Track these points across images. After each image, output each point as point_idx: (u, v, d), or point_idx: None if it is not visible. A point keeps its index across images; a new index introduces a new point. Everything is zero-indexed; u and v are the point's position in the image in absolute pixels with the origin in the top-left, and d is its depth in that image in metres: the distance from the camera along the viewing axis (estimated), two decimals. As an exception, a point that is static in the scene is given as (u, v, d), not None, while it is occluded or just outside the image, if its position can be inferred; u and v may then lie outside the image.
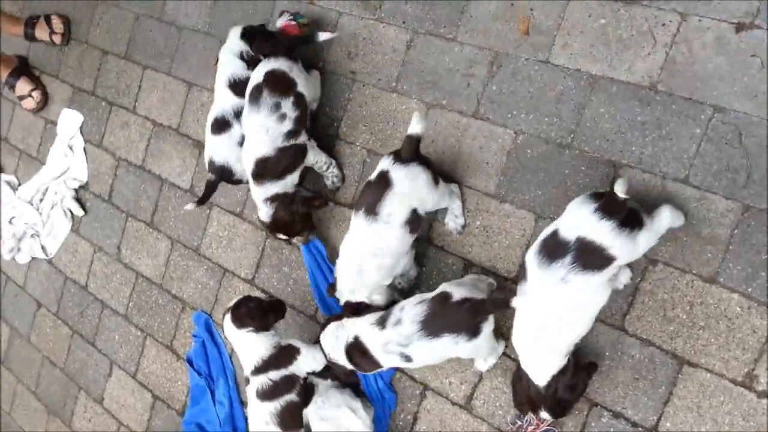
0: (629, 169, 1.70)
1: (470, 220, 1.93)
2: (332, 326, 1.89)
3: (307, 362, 1.98)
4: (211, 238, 2.55)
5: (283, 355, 1.97)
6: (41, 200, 3.15)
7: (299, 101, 2.01)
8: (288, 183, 2.06)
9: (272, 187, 2.03)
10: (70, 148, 3.01)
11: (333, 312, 2.21)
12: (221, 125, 2.17)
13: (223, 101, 2.18)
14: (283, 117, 1.98)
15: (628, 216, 1.44)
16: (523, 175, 1.84)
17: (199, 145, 2.58)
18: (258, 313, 1.97)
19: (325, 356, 1.90)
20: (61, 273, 3.10)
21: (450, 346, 1.66)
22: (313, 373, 2.00)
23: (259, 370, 1.96)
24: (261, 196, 2.05)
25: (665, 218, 1.53)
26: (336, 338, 1.85)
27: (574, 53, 1.79)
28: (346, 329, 1.84)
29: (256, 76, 2.02)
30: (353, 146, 2.18)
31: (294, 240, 2.17)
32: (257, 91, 2.00)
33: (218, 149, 2.18)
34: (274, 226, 2.09)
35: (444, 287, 1.69)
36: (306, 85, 2.04)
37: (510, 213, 1.86)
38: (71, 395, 3.04)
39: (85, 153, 2.98)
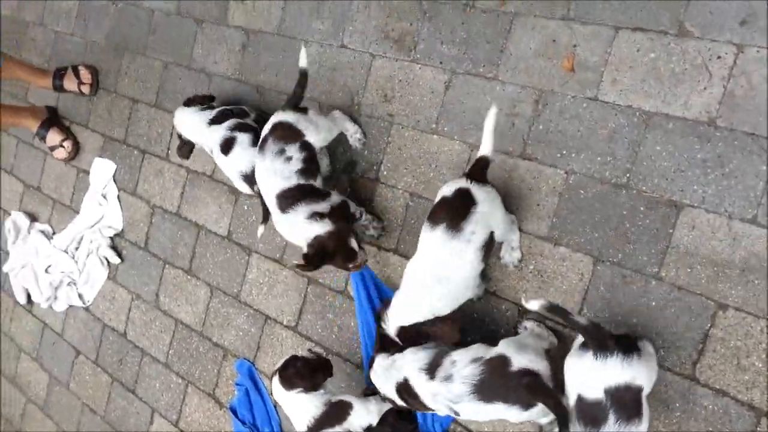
0: (692, 209, 1.61)
1: (523, 264, 1.85)
2: (381, 363, 1.80)
3: (360, 416, 1.90)
4: (251, 284, 2.49)
5: (335, 412, 1.89)
6: (77, 249, 3.12)
7: (307, 147, 1.96)
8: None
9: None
10: (104, 196, 2.97)
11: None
12: None
13: None
14: (289, 159, 1.93)
15: (625, 343, 1.43)
16: (577, 216, 1.76)
17: (235, 191, 2.53)
18: (306, 372, 1.90)
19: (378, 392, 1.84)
20: (99, 320, 3.06)
21: (501, 412, 1.56)
22: (370, 428, 1.92)
23: (312, 431, 1.88)
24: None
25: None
26: (386, 377, 1.78)
27: (625, 89, 1.71)
28: (396, 367, 1.76)
29: (265, 129, 1.98)
30: (395, 190, 2.11)
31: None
32: (263, 142, 1.95)
33: None
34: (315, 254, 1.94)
35: (504, 349, 1.58)
36: (316, 132, 1.98)
37: (566, 256, 1.78)
38: (113, 443, 2.99)
39: (119, 201, 2.94)
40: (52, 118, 3.18)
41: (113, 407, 2.99)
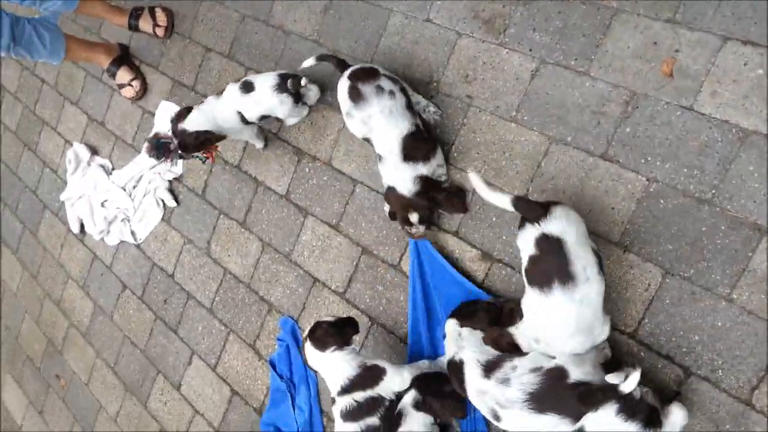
0: (779, 235, 1.54)
1: (587, 265, 1.81)
2: (454, 326, 1.84)
3: (393, 382, 1.93)
4: (304, 246, 2.49)
5: (369, 375, 1.92)
6: (134, 187, 3.16)
7: (390, 78, 2.00)
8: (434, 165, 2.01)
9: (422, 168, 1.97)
10: (167, 140, 2.98)
11: (419, 335, 2.14)
12: None
13: None
14: (391, 93, 1.95)
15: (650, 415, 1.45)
16: (653, 226, 1.71)
17: (299, 152, 2.52)
18: (335, 330, 1.94)
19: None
20: (148, 259, 3.11)
21: (552, 425, 1.54)
22: (400, 397, 1.94)
23: (345, 391, 1.92)
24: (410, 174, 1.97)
25: (678, 417, 1.52)
26: (449, 343, 1.81)
27: (724, 103, 1.63)
28: (459, 341, 1.77)
29: (342, 87, 2.00)
30: (463, 173, 2.07)
31: (413, 229, 2.04)
32: (353, 91, 1.96)
33: None
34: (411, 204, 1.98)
35: (562, 360, 1.56)
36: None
37: (634, 264, 1.73)
38: (149, 377, 3.07)
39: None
40: (124, 56, 3.18)
41: (154, 343, 3.06)
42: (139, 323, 3.14)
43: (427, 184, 1.97)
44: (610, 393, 1.48)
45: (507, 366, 1.63)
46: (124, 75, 3.13)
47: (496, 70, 2.02)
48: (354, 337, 1.99)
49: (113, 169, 3.31)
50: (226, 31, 2.79)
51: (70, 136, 3.60)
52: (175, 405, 2.94)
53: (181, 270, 2.96)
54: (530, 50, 1.95)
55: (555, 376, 1.54)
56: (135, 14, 3.07)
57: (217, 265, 2.80)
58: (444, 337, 1.91)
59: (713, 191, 1.63)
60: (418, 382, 1.94)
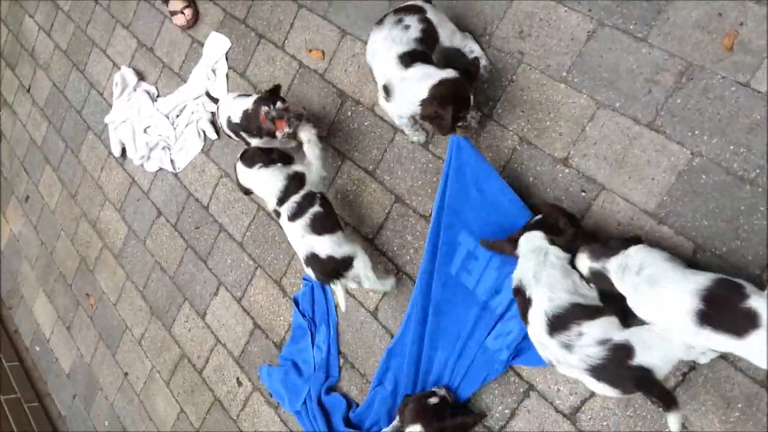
0: (818, 221, 1.58)
1: (621, 230, 1.87)
2: (538, 240, 1.81)
3: (313, 176, 2.33)
4: (338, 189, 2.60)
5: (296, 180, 2.29)
6: (177, 116, 3.30)
7: (427, 21, 2.05)
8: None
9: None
10: (213, 71, 3.10)
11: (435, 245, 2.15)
12: None
13: None
14: (407, 27, 2.03)
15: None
16: (691, 200, 1.75)
17: (343, 95, 2.60)
18: (262, 151, 2.35)
19: None
20: (185, 188, 3.28)
21: (602, 390, 1.63)
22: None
23: (282, 200, 2.28)
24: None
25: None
26: (527, 256, 1.82)
27: (782, 82, 1.65)
28: (541, 267, 1.77)
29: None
30: (505, 130, 2.14)
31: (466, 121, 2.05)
32: (383, 18, 2.10)
33: None
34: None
35: (633, 338, 1.60)
36: (439, 21, 2.09)
37: (667, 236, 1.79)
38: (176, 303, 3.27)
39: (227, 79, 3.07)
40: None
41: (183, 271, 3.25)
42: (170, 250, 3.33)
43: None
44: (666, 398, 1.55)
45: (573, 330, 1.65)
46: (176, 2, 3.24)
47: (551, 28, 2.06)
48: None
49: (158, 96, 3.46)
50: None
51: (119, 60, 3.75)
52: (199, 332, 3.14)
53: (215, 202, 3.11)
54: (589, 10, 1.98)
55: (620, 354, 1.58)
56: None
57: (250, 201, 2.94)
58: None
59: (757, 171, 1.66)
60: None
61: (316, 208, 2.25)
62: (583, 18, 1.99)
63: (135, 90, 3.52)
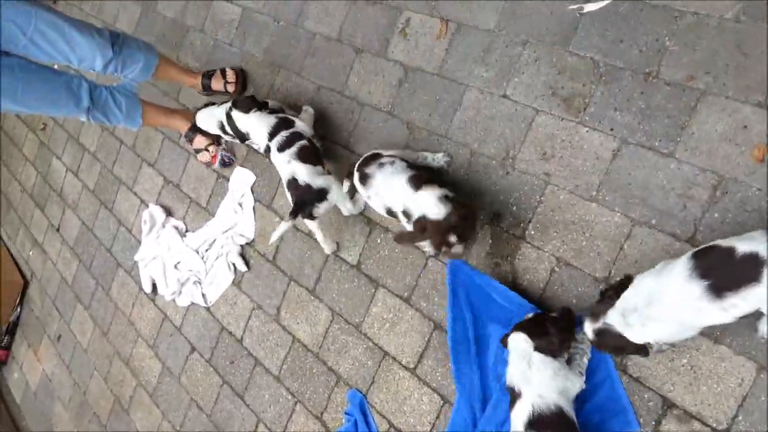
0: None
1: (676, 355, 1.82)
2: (522, 344, 1.89)
3: (304, 122, 2.72)
4: (374, 318, 2.60)
5: (284, 122, 2.67)
6: (207, 250, 3.38)
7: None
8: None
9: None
10: (240, 205, 3.20)
11: (462, 362, 2.27)
12: None
13: None
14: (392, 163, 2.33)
15: None
16: (748, 318, 1.71)
17: (370, 223, 2.65)
18: (254, 99, 2.80)
19: None
20: (218, 322, 3.30)
21: None
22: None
23: (272, 135, 2.62)
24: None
25: None
26: (515, 360, 1.91)
27: (822, 191, 1.65)
28: (528, 371, 1.86)
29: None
30: (540, 252, 2.14)
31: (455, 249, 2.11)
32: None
33: None
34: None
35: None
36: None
37: (725, 357, 1.73)
38: (214, 443, 3.21)
39: (254, 212, 3.16)
40: None
41: (220, 408, 3.21)
42: (206, 387, 3.30)
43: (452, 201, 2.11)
44: None
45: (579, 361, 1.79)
46: (200, 140, 3.39)
47: (575, 149, 2.10)
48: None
49: (187, 231, 3.56)
50: (301, 101, 3.01)
51: (146, 197, 3.90)
52: (239, 474, 3.05)
53: (249, 335, 3.12)
54: (611, 129, 2.03)
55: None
56: (207, 75, 3.39)
57: (285, 333, 2.94)
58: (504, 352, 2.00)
59: (813, 284, 1.63)
60: None
61: (303, 142, 2.58)
62: (606, 137, 2.03)
63: (164, 226, 3.63)
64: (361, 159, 2.38)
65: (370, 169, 2.28)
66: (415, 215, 2.11)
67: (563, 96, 2.14)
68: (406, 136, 2.58)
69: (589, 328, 1.74)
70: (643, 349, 1.67)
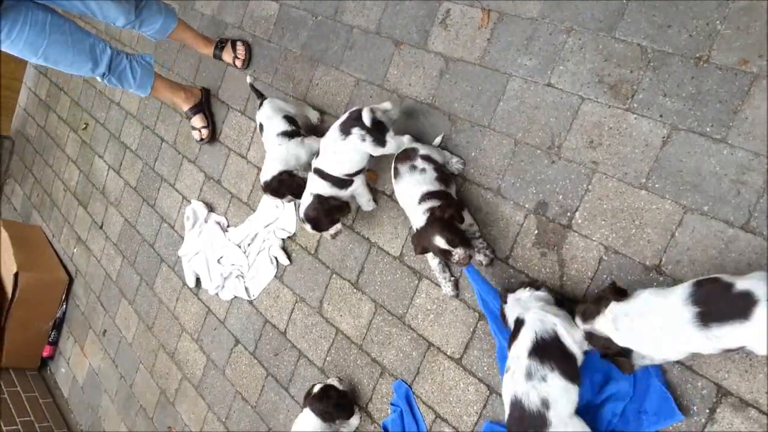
0: None
1: (731, 343, 1.81)
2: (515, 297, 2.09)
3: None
4: (418, 309, 2.63)
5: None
6: (249, 244, 3.45)
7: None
8: None
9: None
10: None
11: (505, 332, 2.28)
12: None
13: None
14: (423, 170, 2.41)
15: None
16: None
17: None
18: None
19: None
20: (261, 315, 3.37)
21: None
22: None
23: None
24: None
25: None
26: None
27: None
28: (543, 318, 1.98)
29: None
30: (588, 240, 2.14)
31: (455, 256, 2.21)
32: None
33: None
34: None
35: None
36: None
37: None
38: (260, 434, 3.29)
39: (295, 206, 3.22)
40: (203, 104, 3.75)
41: (265, 400, 3.28)
42: (250, 379, 3.38)
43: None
44: None
45: (545, 368, 1.88)
46: (197, 121, 3.72)
47: (623, 136, 2.10)
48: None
49: (229, 226, 3.64)
50: (341, 95, 3.05)
51: (187, 193, 4.00)
52: (285, 464, 3.12)
53: (293, 327, 3.18)
54: (661, 116, 2.02)
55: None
56: (219, 46, 3.64)
57: (329, 325, 3.00)
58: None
59: None
60: None
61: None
62: (655, 124, 2.03)
63: (206, 222, 3.72)
64: (400, 151, 2.45)
65: (402, 167, 2.39)
66: (415, 227, 2.31)
67: (610, 83, 2.14)
68: (448, 128, 2.60)
69: (581, 327, 1.87)
70: (627, 351, 1.78)
